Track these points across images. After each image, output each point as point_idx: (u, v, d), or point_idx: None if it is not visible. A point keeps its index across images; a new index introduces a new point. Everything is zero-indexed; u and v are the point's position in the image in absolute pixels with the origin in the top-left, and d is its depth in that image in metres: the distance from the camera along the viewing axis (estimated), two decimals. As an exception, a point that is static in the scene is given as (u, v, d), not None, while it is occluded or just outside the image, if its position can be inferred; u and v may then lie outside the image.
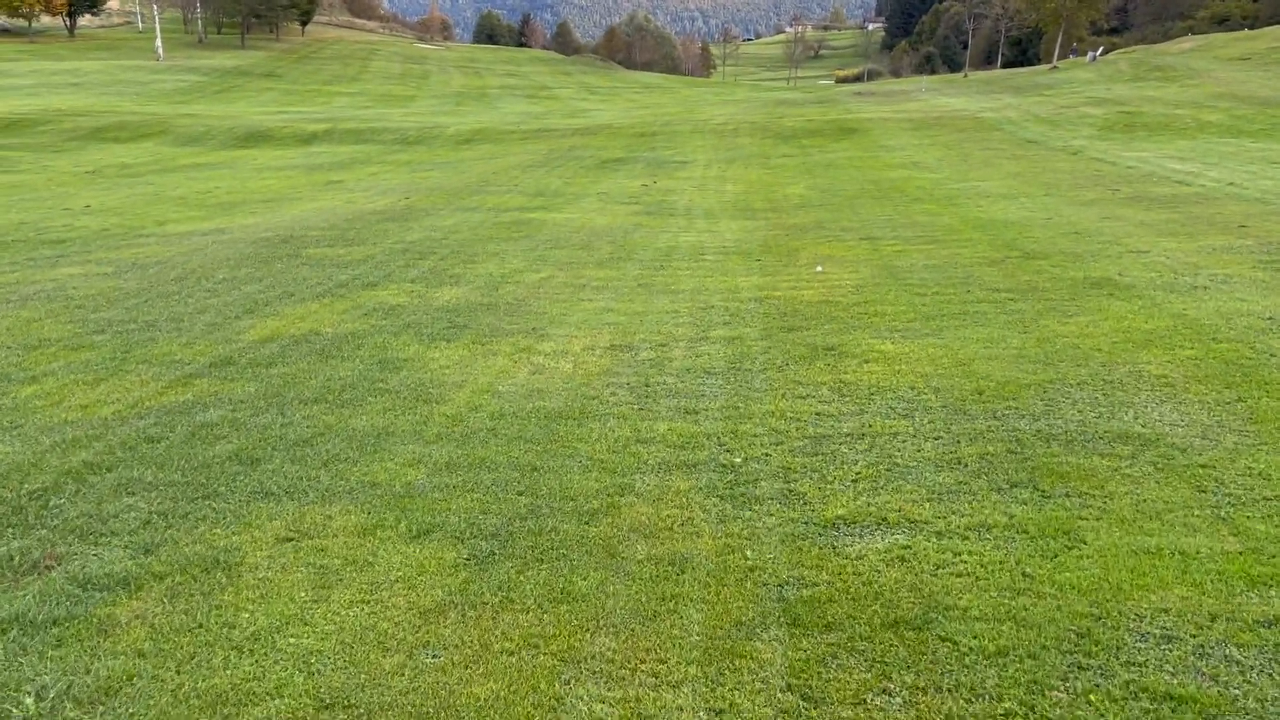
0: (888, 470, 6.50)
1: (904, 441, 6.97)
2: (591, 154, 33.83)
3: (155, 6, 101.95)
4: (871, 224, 17.76)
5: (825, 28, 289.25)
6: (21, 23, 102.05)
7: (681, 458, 6.78)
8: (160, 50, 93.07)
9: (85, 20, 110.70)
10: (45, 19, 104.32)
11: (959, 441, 6.93)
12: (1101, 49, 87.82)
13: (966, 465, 6.52)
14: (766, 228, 17.85)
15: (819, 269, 13.67)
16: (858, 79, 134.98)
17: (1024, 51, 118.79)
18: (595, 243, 16.16)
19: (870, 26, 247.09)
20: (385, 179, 28.51)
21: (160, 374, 8.65)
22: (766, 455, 6.80)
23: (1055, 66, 78.16)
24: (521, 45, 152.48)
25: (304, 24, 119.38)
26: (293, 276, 13.10)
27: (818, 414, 7.58)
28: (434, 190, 24.41)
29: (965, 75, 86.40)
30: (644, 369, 8.94)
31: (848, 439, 7.06)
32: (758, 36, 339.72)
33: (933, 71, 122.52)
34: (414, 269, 13.72)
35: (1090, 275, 12.29)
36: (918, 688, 4.28)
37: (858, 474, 6.45)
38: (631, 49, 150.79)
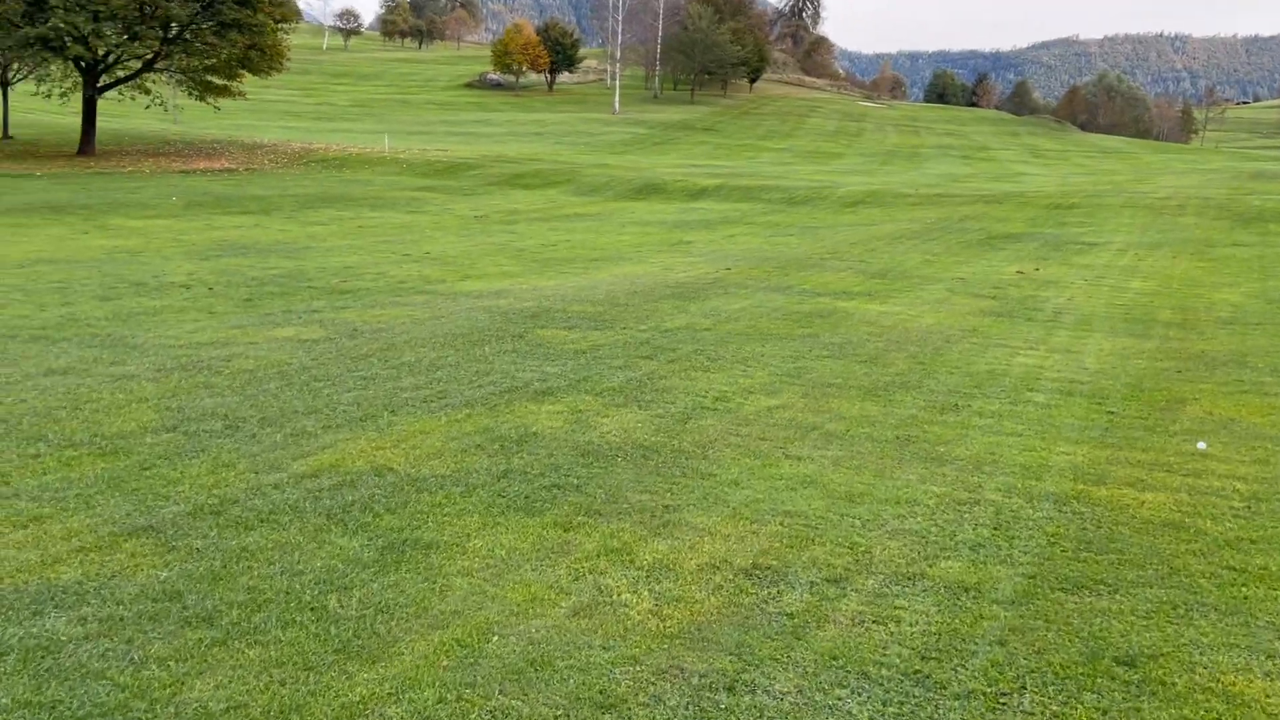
0: None
1: None
2: (982, 227, 28.84)
3: (618, 65, 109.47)
4: (1330, 365, 11.89)
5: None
6: (511, 78, 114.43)
7: None
8: (617, 104, 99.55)
9: (564, 77, 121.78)
10: (531, 75, 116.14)
11: None
12: None
13: None
14: (1155, 354, 12.61)
15: (1201, 446, 8.70)
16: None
17: None
18: (891, 354, 12.10)
19: None
20: (737, 243, 25.92)
21: (96, 525, 6.32)
22: None
23: None
24: (972, 105, 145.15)
25: (752, 81, 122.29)
26: (474, 370, 10.63)
27: None
28: (765, 261, 21.30)
29: None
30: (754, 638, 5.14)
31: None
32: (1256, 100, 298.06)
33: None
34: (625, 373, 10.69)
35: None
36: None
37: None
38: (1095, 110, 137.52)
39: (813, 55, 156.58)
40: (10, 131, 49.89)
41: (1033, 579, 5.97)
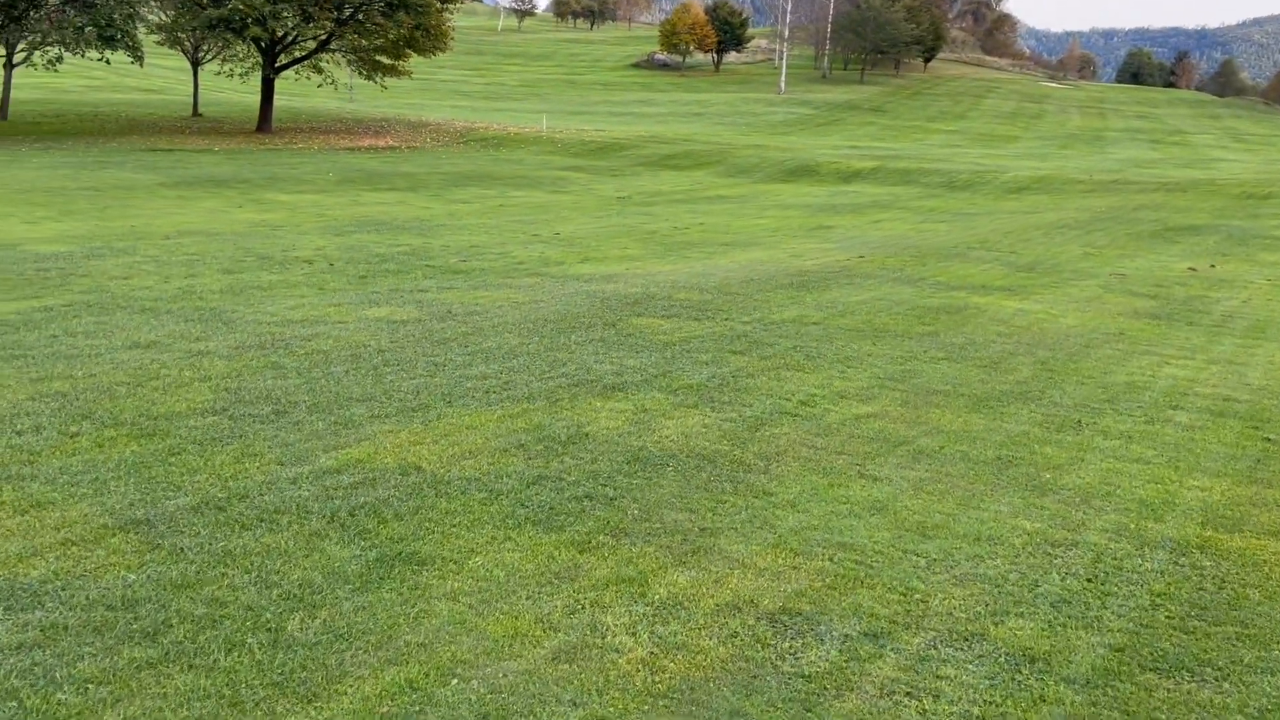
0: None
1: None
2: (1158, 217, 26.30)
3: (786, 44, 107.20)
4: None
5: None
6: (678, 58, 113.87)
7: None
8: (782, 84, 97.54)
9: (731, 56, 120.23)
10: (698, 55, 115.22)
11: None
12: None
13: None
14: (1339, 370, 10.85)
15: (1373, 488, 7.24)
16: None
17: None
18: (1017, 358, 10.81)
19: None
20: (881, 229, 24.51)
21: (92, 516, 6.03)
22: None
23: None
24: (1169, 85, 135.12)
25: (927, 60, 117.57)
26: (550, 359, 10.05)
27: None
28: (905, 250, 19.92)
29: None
30: (754, 706, 4.32)
31: None
32: None
33: None
34: (710, 369, 9.89)
35: None
36: None
37: None
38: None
39: (994, 33, 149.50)
40: (200, 109, 52.81)
41: (1120, 652, 4.90)
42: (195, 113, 52.36)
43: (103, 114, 49.96)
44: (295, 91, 63.28)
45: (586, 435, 7.77)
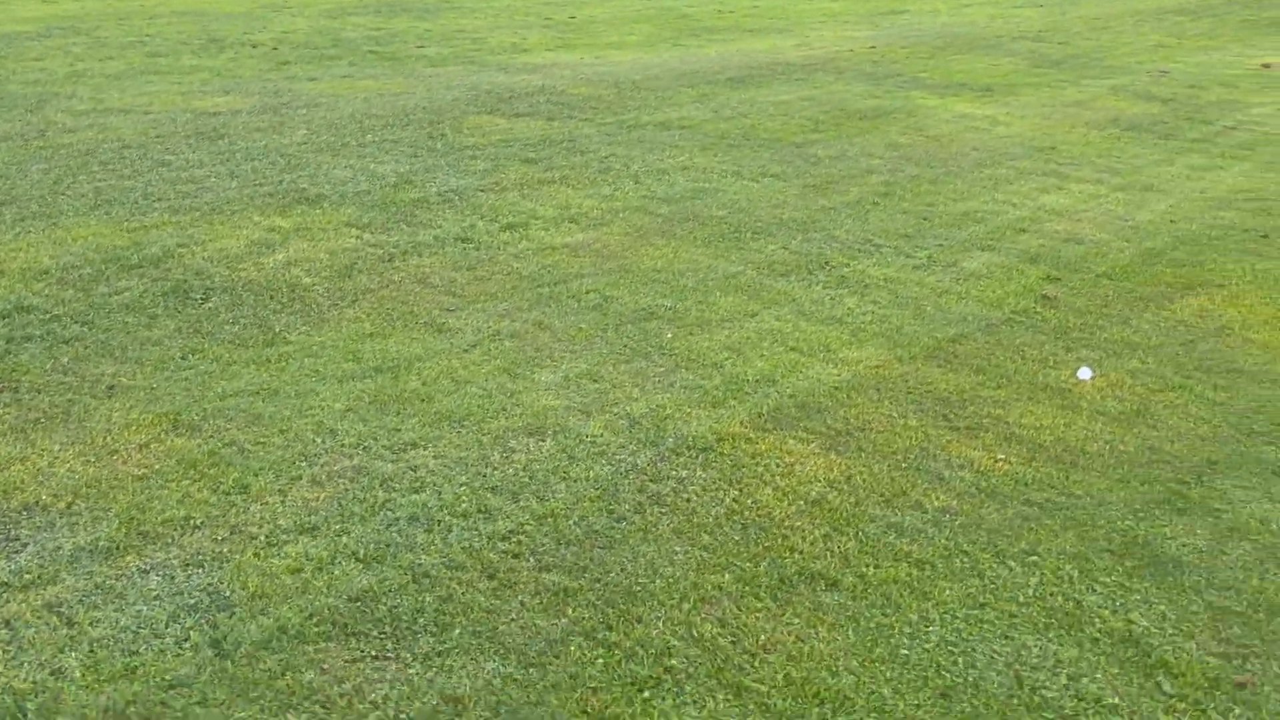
0: None
1: None
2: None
3: None
4: None
5: None
6: None
7: None
8: None
9: None
10: None
11: None
12: None
13: None
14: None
15: (1083, 374, 5.37)
16: None
17: None
18: (868, 177, 8.81)
19: None
20: (959, 15, 21.19)
21: None
22: None
23: None
24: None
25: None
26: (294, 163, 8.85)
27: None
28: (933, 40, 17.02)
29: None
30: None
31: None
32: None
33: None
34: (457, 180, 8.52)
35: None
36: None
37: None
38: None
39: None
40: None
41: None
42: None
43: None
44: None
45: (178, 256, 6.73)
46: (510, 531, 3.92)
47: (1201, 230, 7.71)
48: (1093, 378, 5.30)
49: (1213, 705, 3.10)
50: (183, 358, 5.31)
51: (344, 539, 3.84)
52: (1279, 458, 4.56)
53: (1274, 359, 5.58)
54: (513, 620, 3.43)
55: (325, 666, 3.18)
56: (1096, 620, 3.47)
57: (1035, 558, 3.81)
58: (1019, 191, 8.66)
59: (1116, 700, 3.11)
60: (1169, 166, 9.54)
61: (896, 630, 3.41)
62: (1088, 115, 11.57)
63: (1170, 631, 3.41)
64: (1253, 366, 5.49)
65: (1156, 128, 11.04)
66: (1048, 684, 3.18)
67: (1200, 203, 8.44)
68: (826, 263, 6.98)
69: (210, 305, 5.95)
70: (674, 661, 3.25)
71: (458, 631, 3.36)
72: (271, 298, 6.07)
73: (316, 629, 3.34)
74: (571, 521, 3.98)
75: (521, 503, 4.11)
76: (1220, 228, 7.80)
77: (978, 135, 10.55)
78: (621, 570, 3.70)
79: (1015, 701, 3.11)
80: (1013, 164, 9.50)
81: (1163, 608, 3.54)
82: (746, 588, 3.62)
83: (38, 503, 4.03)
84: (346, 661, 3.21)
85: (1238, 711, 3.08)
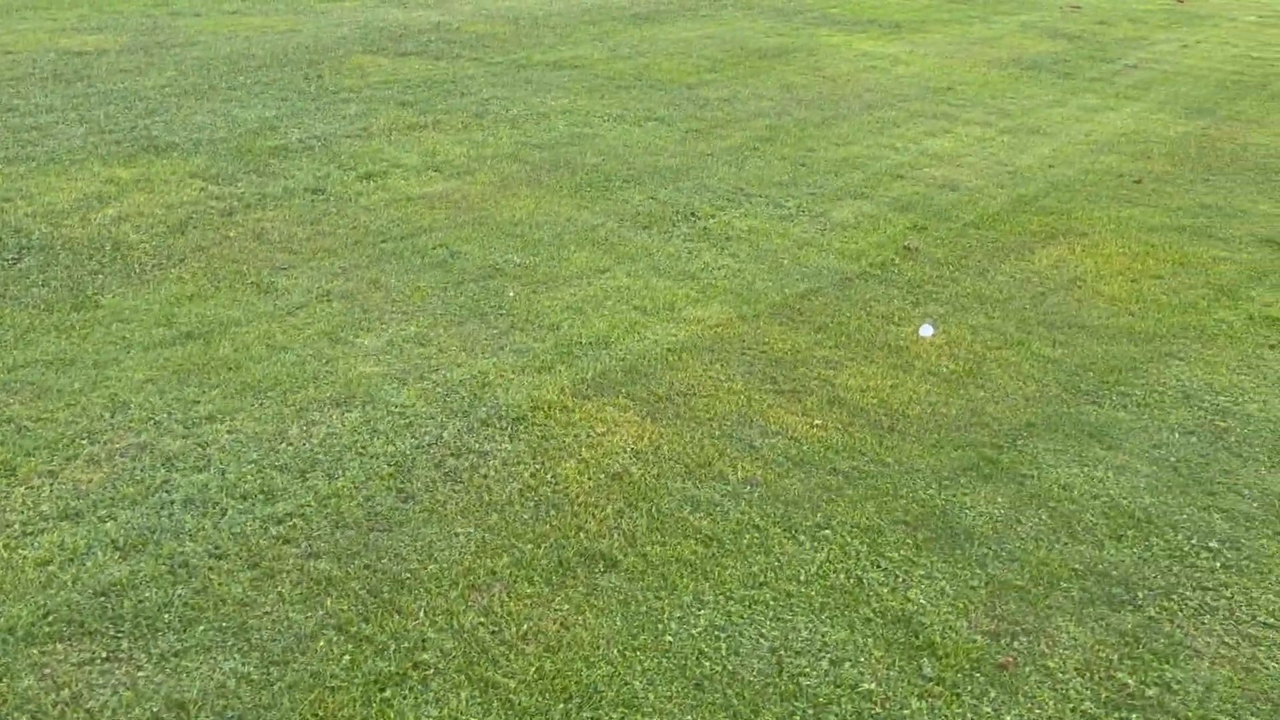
0: None
1: None
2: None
3: None
4: None
5: None
6: None
7: None
8: None
9: None
10: None
11: None
12: None
13: None
14: (1174, 144, 8.24)
15: (925, 331, 5.27)
16: None
17: None
18: (754, 121, 8.58)
19: None
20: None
21: None
22: None
23: None
24: None
25: None
26: (152, 109, 8.46)
27: None
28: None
29: None
30: None
31: None
32: None
33: None
34: (321, 126, 8.18)
35: None
36: None
37: None
38: None
39: None
40: None
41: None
42: None
43: None
44: None
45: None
46: (287, 514, 3.74)
47: (1077, 176, 7.61)
48: (934, 335, 5.19)
49: (969, 689, 3.03)
50: (-21, 325, 5.03)
51: (107, 525, 3.64)
52: (1099, 418, 4.50)
53: (1118, 312, 5.51)
54: (266, 614, 3.26)
55: (47, 671, 3.00)
56: (874, 599, 3.38)
57: (827, 531, 3.71)
58: (904, 135, 8.49)
59: (873, 686, 3.03)
60: (1060, 108, 9.40)
61: (666, 615, 3.30)
62: (991, 54, 11.38)
63: (945, 610, 3.33)
64: (1095, 321, 5.41)
65: (1057, 66, 10.89)
66: (808, 670, 3.09)
67: (1083, 146, 8.32)
68: (692, 213, 6.78)
69: (22, 266, 5.63)
70: (425, 656, 3.11)
71: (203, 628, 3.19)
72: (91, 257, 5.76)
73: (48, 629, 3.15)
74: (355, 503, 3.81)
75: (309, 482, 3.93)
76: (1096, 173, 7.70)
77: (875, 75, 10.33)
78: (395, 556, 3.54)
79: (771, 690, 3.02)
80: (904, 105, 9.31)
81: (944, 583, 3.45)
82: (522, 572, 3.48)
83: None
84: (73, 665, 3.03)
85: (993, 694, 3.01)
